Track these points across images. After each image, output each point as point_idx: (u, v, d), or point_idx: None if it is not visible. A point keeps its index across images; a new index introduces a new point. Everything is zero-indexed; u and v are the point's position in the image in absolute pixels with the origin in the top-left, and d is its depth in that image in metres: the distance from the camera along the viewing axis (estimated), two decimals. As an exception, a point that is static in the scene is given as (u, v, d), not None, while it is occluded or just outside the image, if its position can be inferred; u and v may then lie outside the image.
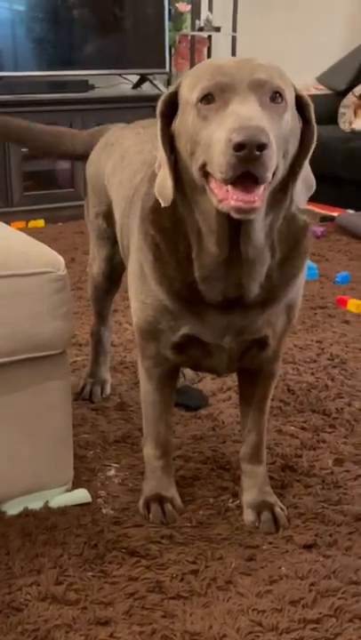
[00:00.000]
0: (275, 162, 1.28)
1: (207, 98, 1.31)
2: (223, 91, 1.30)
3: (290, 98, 1.36)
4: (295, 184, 1.43)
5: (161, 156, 1.43)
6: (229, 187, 1.28)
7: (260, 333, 1.59)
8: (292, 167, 1.41)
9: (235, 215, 1.31)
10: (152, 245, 1.54)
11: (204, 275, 1.48)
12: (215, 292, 1.49)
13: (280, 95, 1.32)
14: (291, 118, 1.36)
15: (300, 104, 1.41)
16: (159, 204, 1.46)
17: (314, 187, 1.48)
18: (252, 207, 1.28)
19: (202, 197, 1.40)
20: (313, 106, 1.43)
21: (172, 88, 1.44)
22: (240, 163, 1.23)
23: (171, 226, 1.50)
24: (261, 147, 1.22)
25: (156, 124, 1.44)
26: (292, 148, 1.39)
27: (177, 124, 1.41)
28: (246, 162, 1.23)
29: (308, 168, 1.46)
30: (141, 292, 1.61)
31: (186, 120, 1.36)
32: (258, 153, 1.22)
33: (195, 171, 1.36)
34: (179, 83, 1.43)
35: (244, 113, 1.26)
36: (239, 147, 1.22)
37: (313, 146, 1.43)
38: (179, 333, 1.58)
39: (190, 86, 1.36)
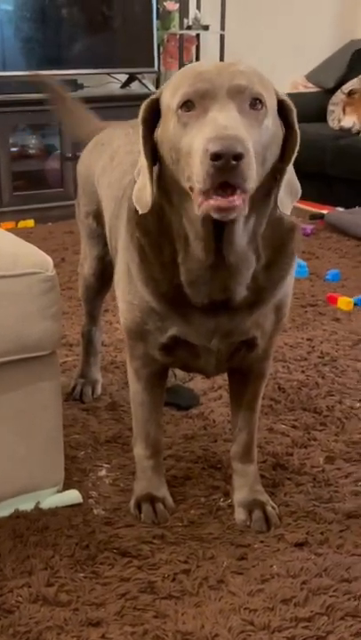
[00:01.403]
0: (254, 170, 1.27)
1: (187, 104, 1.31)
2: (203, 97, 1.29)
3: (271, 103, 1.35)
4: (278, 189, 1.42)
5: (142, 162, 1.43)
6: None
7: (248, 335, 1.58)
8: (274, 172, 1.40)
9: (215, 215, 1.29)
10: (138, 247, 1.54)
11: (191, 279, 1.48)
12: (201, 295, 1.49)
13: (260, 101, 1.32)
14: (271, 124, 1.35)
15: (283, 109, 1.40)
16: None
17: (299, 192, 1.47)
18: (233, 205, 1.27)
19: (188, 204, 1.39)
20: (296, 110, 1.41)
21: (154, 95, 1.43)
22: (217, 172, 1.23)
23: (156, 229, 1.50)
24: (238, 157, 1.21)
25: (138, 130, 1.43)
26: (273, 153, 1.37)
27: (160, 131, 1.40)
28: (223, 171, 1.23)
29: (293, 173, 1.45)
30: (129, 293, 1.61)
31: (167, 127, 1.36)
32: (234, 162, 1.22)
33: (183, 181, 1.35)
34: (161, 89, 1.42)
35: (221, 121, 1.25)
36: (215, 156, 1.21)
37: (296, 151, 1.41)
38: (166, 335, 1.58)
39: (171, 92, 1.36)
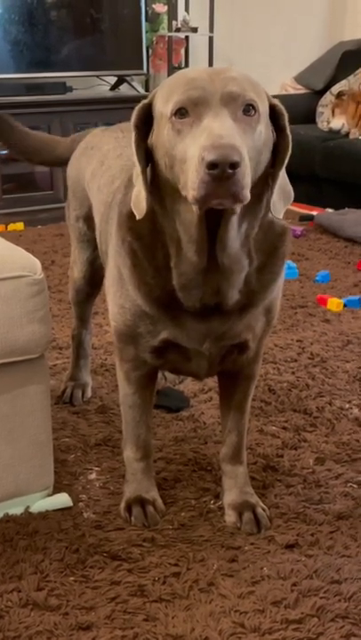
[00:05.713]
0: (249, 178, 1.28)
1: (180, 112, 1.31)
2: (196, 105, 1.30)
3: (263, 109, 1.36)
4: (271, 194, 1.43)
5: (136, 168, 1.43)
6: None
7: (239, 338, 1.59)
8: (266, 177, 1.41)
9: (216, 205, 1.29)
10: (130, 251, 1.54)
11: (183, 283, 1.48)
12: (194, 299, 1.49)
13: (253, 107, 1.32)
14: (264, 129, 1.36)
15: (274, 113, 1.41)
16: None
17: (292, 196, 1.47)
18: None
19: (182, 207, 1.39)
20: (287, 115, 1.41)
21: (146, 100, 1.43)
22: (213, 181, 1.24)
23: (148, 233, 1.50)
24: (234, 165, 1.22)
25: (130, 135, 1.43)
26: (265, 158, 1.38)
27: (154, 137, 1.40)
28: (220, 180, 1.23)
29: (286, 178, 1.45)
30: (120, 297, 1.60)
31: (161, 133, 1.36)
32: (230, 171, 1.22)
33: (180, 187, 1.35)
34: (153, 94, 1.42)
35: (217, 130, 1.25)
36: (212, 165, 1.22)
37: (288, 155, 1.42)
38: (158, 338, 1.58)
39: (164, 99, 1.36)
